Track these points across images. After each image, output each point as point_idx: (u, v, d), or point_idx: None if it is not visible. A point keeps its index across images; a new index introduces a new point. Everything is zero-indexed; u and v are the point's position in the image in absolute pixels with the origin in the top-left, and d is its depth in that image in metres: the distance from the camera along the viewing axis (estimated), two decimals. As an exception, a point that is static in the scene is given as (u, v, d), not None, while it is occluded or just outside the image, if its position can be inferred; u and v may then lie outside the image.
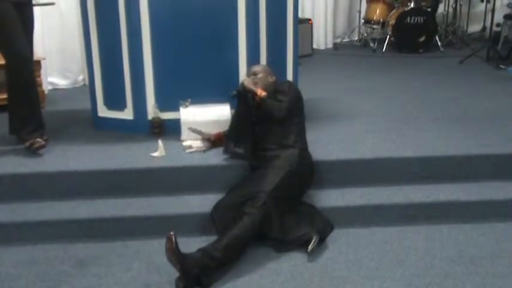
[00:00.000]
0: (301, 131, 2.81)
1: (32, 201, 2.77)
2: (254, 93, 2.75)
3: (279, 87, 2.84)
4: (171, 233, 2.21)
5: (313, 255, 2.45)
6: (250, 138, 2.85)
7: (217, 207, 2.61)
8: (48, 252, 2.54)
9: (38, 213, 2.70)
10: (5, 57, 3.01)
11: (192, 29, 3.17)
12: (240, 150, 2.84)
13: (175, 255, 2.19)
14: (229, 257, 2.32)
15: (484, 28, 6.74)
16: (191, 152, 3.00)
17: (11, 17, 2.92)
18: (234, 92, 2.84)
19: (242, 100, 2.82)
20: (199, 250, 2.29)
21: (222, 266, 2.31)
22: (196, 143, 3.05)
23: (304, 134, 2.83)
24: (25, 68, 3.02)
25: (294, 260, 2.45)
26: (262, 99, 2.72)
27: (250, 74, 2.92)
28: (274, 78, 2.94)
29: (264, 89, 2.78)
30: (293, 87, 2.87)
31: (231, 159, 2.88)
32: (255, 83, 2.82)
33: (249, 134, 2.85)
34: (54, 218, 2.67)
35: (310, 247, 2.44)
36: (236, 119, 2.90)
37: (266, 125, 2.78)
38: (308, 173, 2.74)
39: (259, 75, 2.88)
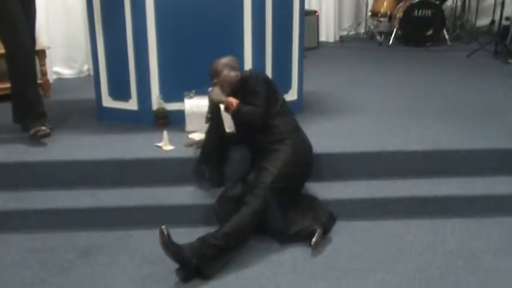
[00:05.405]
0: (285, 114, 2.64)
1: (37, 190, 2.79)
2: (226, 106, 2.60)
3: (245, 83, 2.59)
4: (163, 226, 2.20)
5: (316, 247, 2.45)
6: (218, 167, 2.72)
7: (220, 198, 2.61)
8: (53, 241, 2.56)
9: (43, 202, 2.72)
10: (7, 47, 3.02)
11: (197, 20, 3.16)
12: (206, 175, 2.71)
13: (169, 248, 2.19)
14: (227, 246, 2.31)
15: (492, 22, 6.68)
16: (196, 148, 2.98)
17: (14, 7, 2.93)
18: (209, 116, 2.67)
19: (213, 119, 2.65)
20: (198, 239, 2.30)
21: (221, 255, 2.30)
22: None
23: (293, 118, 2.69)
24: (27, 58, 3.03)
25: (296, 251, 2.46)
26: (236, 110, 2.55)
27: (212, 74, 2.72)
28: (238, 72, 2.71)
29: (235, 96, 2.57)
30: (259, 80, 2.59)
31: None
32: (221, 86, 2.64)
33: (218, 162, 2.71)
34: (58, 206, 2.68)
35: (314, 240, 2.44)
36: (207, 141, 2.73)
37: (249, 127, 2.62)
38: (306, 162, 2.66)
39: (223, 73, 2.67)
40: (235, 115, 2.61)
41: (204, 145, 2.77)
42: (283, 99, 2.72)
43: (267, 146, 2.59)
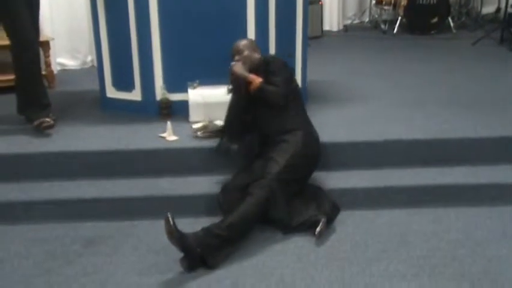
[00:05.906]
0: (298, 105, 2.68)
1: (41, 180, 2.80)
2: (248, 82, 2.60)
3: (267, 65, 2.65)
4: (168, 214, 2.19)
5: (320, 237, 2.45)
6: (242, 135, 2.75)
7: (224, 189, 2.62)
8: (57, 231, 2.58)
9: (47, 192, 2.73)
10: (11, 38, 3.03)
11: (201, 10, 3.15)
12: (234, 147, 2.74)
13: (174, 236, 2.19)
14: (232, 236, 2.31)
15: (498, 9, 6.62)
16: (201, 137, 2.97)
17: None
18: (230, 87, 2.69)
19: (235, 91, 2.67)
20: (202, 229, 2.30)
21: (225, 245, 2.30)
22: (205, 127, 3.01)
23: (304, 108, 2.73)
24: (31, 49, 3.04)
25: (300, 241, 2.46)
26: (259, 87, 2.56)
27: (234, 52, 2.75)
28: (260, 54, 2.78)
29: (257, 74, 2.60)
30: (282, 64, 2.66)
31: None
32: (244, 64, 2.66)
33: (242, 130, 2.74)
34: (62, 197, 2.69)
35: (318, 229, 2.44)
36: (230, 113, 2.74)
37: (266, 110, 2.63)
38: (314, 155, 2.68)
39: (245, 53, 2.72)
40: (257, 92, 2.60)
41: (226, 118, 2.76)
42: (299, 91, 2.74)
43: (276, 136, 2.59)
